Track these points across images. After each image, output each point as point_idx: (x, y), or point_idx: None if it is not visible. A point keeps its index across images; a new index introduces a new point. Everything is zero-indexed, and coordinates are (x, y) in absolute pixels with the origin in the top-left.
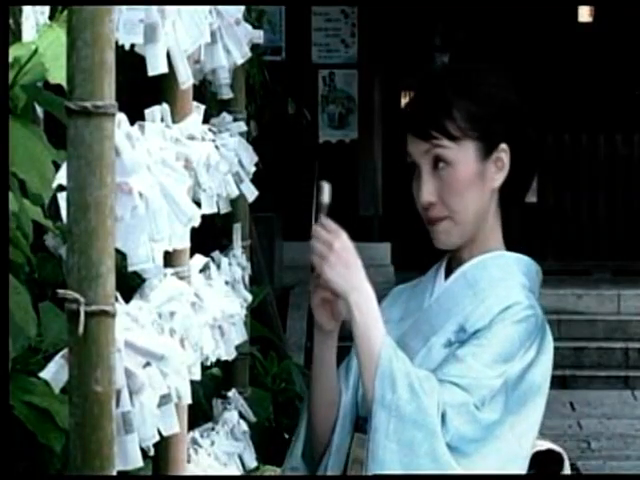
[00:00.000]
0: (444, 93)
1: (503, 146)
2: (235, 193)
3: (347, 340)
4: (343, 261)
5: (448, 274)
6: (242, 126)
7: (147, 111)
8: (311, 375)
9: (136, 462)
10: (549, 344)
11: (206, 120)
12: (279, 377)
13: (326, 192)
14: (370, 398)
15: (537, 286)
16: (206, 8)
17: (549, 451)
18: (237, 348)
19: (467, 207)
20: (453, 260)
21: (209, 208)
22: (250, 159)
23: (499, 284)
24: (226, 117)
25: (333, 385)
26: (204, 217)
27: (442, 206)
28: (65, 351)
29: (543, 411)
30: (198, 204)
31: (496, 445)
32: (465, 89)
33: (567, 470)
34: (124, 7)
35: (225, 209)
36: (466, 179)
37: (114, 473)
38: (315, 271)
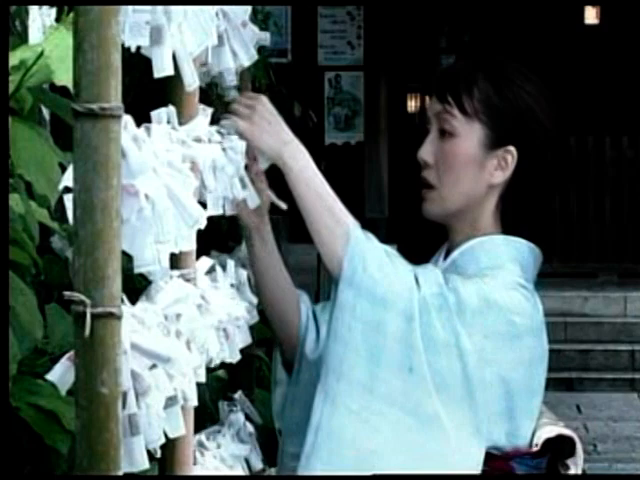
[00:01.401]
0: (475, 70)
1: (511, 148)
2: (241, 196)
3: None
4: (267, 119)
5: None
6: None
7: (153, 113)
8: (256, 280)
9: (142, 464)
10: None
11: (213, 122)
12: None
13: None
14: (335, 274)
15: (532, 268)
16: (212, 10)
17: (559, 436)
18: (243, 350)
19: (457, 186)
20: (450, 245)
21: (215, 210)
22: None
23: (487, 274)
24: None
25: (282, 277)
26: (210, 219)
27: (435, 173)
28: (71, 353)
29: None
30: (204, 205)
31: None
32: (496, 77)
33: (580, 453)
34: (130, 9)
35: (231, 211)
36: (464, 158)
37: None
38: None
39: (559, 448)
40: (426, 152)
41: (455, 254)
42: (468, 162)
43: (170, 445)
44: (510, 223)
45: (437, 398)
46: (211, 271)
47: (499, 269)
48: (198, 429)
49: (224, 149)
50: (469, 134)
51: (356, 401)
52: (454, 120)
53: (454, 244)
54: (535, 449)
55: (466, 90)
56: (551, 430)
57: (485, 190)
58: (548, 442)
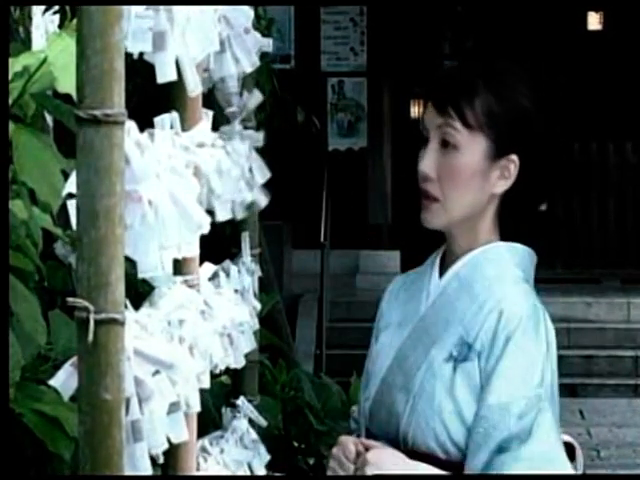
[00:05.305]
0: (475, 78)
1: (513, 157)
2: (249, 199)
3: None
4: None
5: (443, 268)
6: (253, 135)
7: (156, 119)
8: None
9: (145, 470)
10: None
11: (216, 128)
12: (288, 385)
13: None
14: None
15: (532, 272)
16: (215, 16)
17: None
18: (246, 356)
19: (460, 198)
20: (447, 253)
21: (224, 215)
22: (260, 169)
23: (493, 284)
24: (236, 126)
25: None
26: (213, 225)
27: (438, 186)
28: (74, 359)
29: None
30: (211, 212)
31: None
32: (496, 85)
33: (580, 459)
34: (133, 14)
35: (241, 215)
36: (469, 172)
37: None
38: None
39: None
40: (428, 166)
41: (458, 265)
42: (473, 175)
43: (173, 451)
44: (508, 227)
45: None
46: (214, 277)
47: (504, 275)
48: (201, 435)
49: (227, 152)
50: (473, 147)
51: None
52: (457, 134)
53: (454, 255)
54: None
55: (468, 102)
56: None
57: (487, 199)
58: None
